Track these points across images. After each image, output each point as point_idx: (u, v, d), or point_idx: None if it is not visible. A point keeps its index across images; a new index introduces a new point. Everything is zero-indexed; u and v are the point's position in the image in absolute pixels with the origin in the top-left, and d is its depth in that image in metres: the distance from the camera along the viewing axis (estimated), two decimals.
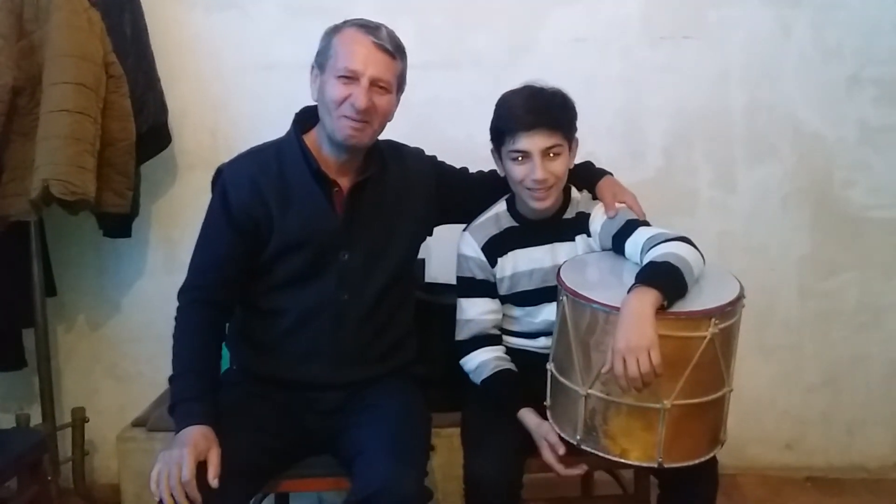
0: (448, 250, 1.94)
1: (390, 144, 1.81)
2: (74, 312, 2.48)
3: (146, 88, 2.21)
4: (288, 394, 1.70)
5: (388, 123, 1.71)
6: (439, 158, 1.92)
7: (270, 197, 1.63)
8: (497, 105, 1.74)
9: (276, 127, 1.87)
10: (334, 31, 1.61)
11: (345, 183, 1.68)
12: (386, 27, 1.61)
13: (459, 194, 1.86)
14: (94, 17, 2.04)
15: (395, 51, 1.59)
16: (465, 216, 1.88)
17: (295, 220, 1.64)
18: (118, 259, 2.45)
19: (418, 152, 1.87)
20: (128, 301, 2.48)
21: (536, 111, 1.66)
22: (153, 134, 2.23)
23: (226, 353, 2.09)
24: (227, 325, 1.75)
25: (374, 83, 1.56)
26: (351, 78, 1.55)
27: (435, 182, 1.82)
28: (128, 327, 2.49)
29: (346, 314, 1.69)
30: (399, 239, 1.74)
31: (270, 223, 1.64)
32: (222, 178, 1.67)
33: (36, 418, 2.25)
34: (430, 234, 1.90)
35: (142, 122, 2.17)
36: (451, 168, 1.89)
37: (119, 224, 2.28)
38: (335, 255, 1.67)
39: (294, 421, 1.67)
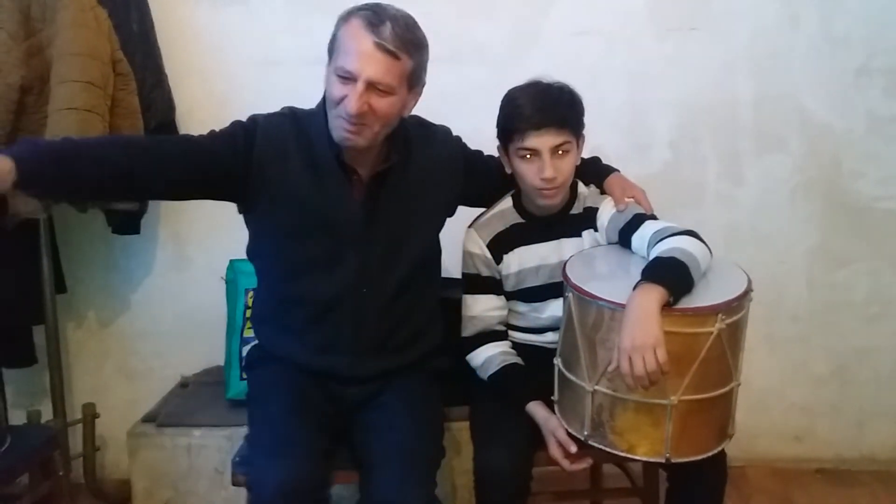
0: (454, 244, 1.93)
1: (418, 122, 1.74)
2: (84, 309, 2.49)
3: (154, 85, 2.21)
4: (308, 380, 1.69)
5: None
6: None
7: (295, 163, 1.59)
8: (504, 102, 1.73)
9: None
10: (343, 18, 1.51)
11: (364, 172, 1.63)
12: (394, 22, 1.47)
13: (482, 179, 1.82)
14: (100, 15, 2.04)
15: (401, 50, 1.47)
16: (482, 201, 1.86)
17: (316, 195, 1.59)
18: (127, 256, 2.46)
19: (446, 132, 1.79)
20: (137, 297, 2.49)
21: (545, 110, 1.65)
22: (161, 130, 2.23)
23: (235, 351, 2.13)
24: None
25: (371, 86, 1.46)
26: (347, 78, 1.47)
27: (463, 167, 1.77)
28: (137, 323, 2.50)
29: (366, 307, 1.67)
30: (422, 228, 1.71)
31: (283, 187, 1.58)
32: (255, 124, 1.62)
33: (47, 414, 2.27)
34: (452, 216, 1.84)
35: (150, 119, 2.18)
36: (480, 156, 1.84)
37: (128, 221, 2.28)
38: (354, 248, 1.63)
39: (317, 410, 1.66)
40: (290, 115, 1.66)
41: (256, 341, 1.84)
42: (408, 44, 1.49)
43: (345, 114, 1.48)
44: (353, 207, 1.62)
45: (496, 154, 1.80)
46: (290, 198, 1.59)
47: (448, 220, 1.85)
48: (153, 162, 1.52)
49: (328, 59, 1.55)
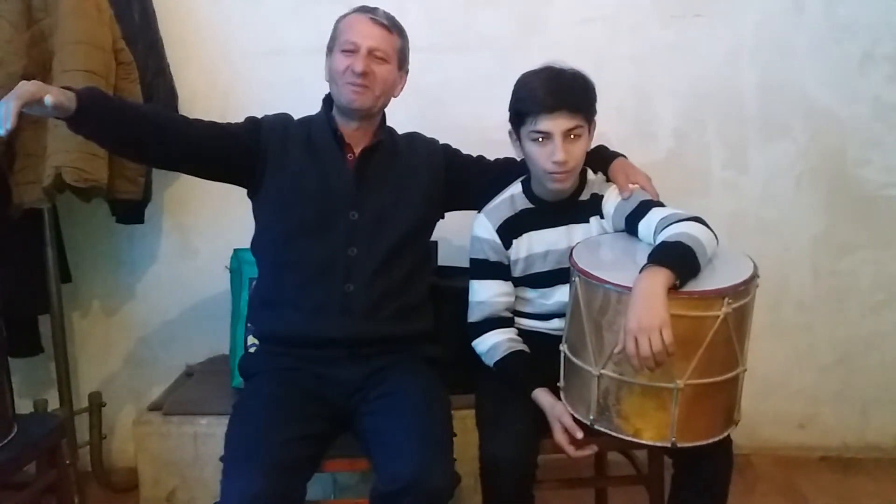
0: (460, 234, 1.94)
1: (406, 133, 1.92)
2: (89, 298, 2.50)
3: (156, 74, 2.21)
4: (308, 364, 1.73)
5: (400, 105, 1.84)
6: (450, 140, 1.95)
7: (295, 141, 1.80)
8: (517, 86, 1.73)
9: (286, 111, 1.88)
10: (340, 19, 1.79)
11: (357, 148, 1.81)
12: (383, 9, 1.79)
13: (469, 177, 1.90)
14: (102, 5, 2.03)
15: (392, 26, 1.76)
16: (476, 201, 1.88)
17: (312, 169, 1.77)
18: (131, 245, 2.47)
19: (431, 139, 1.94)
20: (142, 286, 2.50)
21: (559, 93, 1.65)
22: None
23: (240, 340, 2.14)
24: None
25: (371, 52, 1.72)
26: (352, 50, 1.72)
27: (444, 162, 1.89)
28: (142, 312, 2.51)
29: (356, 268, 1.75)
30: (407, 205, 1.81)
31: (282, 160, 1.78)
32: (261, 118, 1.84)
33: (53, 403, 2.27)
34: (442, 217, 1.93)
35: None
36: (464, 155, 1.94)
37: (132, 210, 2.28)
38: (345, 214, 1.76)
39: (318, 400, 1.69)
40: (290, 115, 1.88)
41: (251, 347, 1.94)
42: (396, 24, 1.79)
43: (352, 77, 1.72)
44: (345, 176, 1.78)
45: (500, 145, 1.80)
46: (288, 170, 1.78)
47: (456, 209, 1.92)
48: (186, 126, 1.75)
49: (328, 53, 1.78)
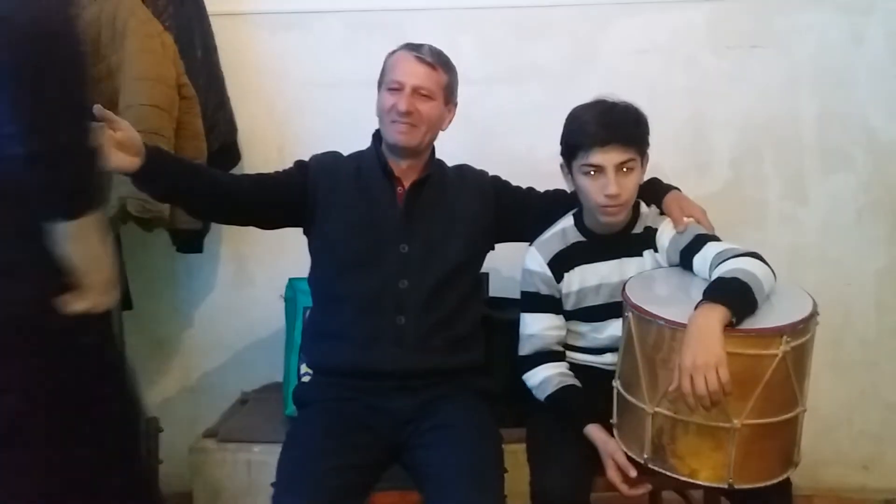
0: (512, 265, 1.93)
1: (456, 165, 1.95)
2: (149, 325, 2.55)
3: (217, 108, 2.27)
4: (360, 394, 1.74)
5: (452, 136, 1.88)
6: (502, 171, 1.96)
7: (345, 177, 1.83)
8: (568, 119, 1.73)
9: (340, 141, 1.92)
10: (389, 56, 1.83)
11: (406, 181, 1.84)
12: (430, 46, 1.81)
13: (519, 208, 1.90)
14: (167, 41, 2.10)
15: (437, 63, 1.78)
16: (525, 233, 1.89)
17: (362, 203, 1.81)
18: (190, 273, 2.52)
19: (481, 171, 1.96)
20: (199, 314, 2.55)
21: (611, 126, 1.65)
22: (224, 152, 2.29)
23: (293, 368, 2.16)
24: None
25: (416, 91, 1.75)
26: (397, 89, 1.76)
27: (494, 193, 1.91)
28: (199, 340, 2.55)
29: (406, 300, 1.77)
30: (456, 237, 1.83)
31: (332, 196, 1.81)
32: (308, 159, 1.89)
33: None
34: (492, 248, 1.94)
35: (213, 141, 2.23)
36: (514, 186, 1.95)
37: (191, 240, 2.34)
38: (395, 246, 1.78)
39: (369, 431, 1.70)
40: (339, 153, 1.92)
41: (304, 376, 1.97)
42: (442, 61, 1.81)
43: (396, 115, 1.75)
44: (394, 209, 1.81)
45: (551, 176, 1.80)
46: (339, 206, 1.81)
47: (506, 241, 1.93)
48: (234, 185, 1.83)
49: (378, 89, 1.82)
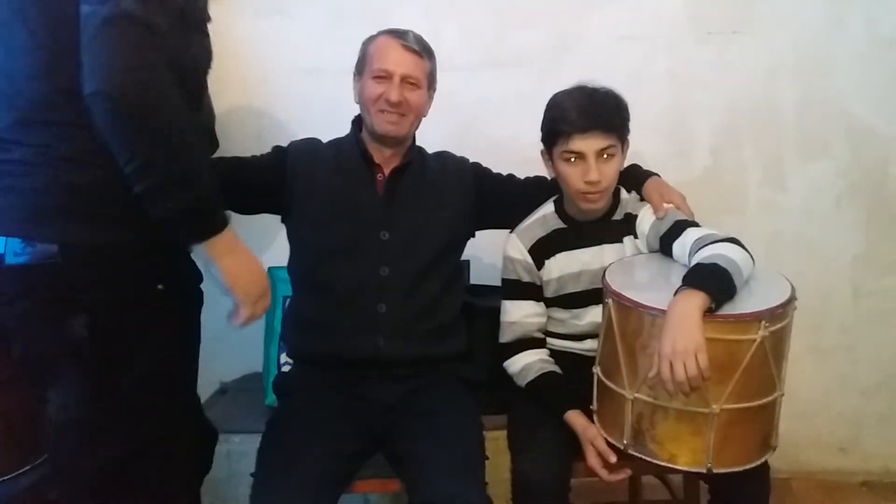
0: (493, 252, 1.93)
1: (436, 152, 1.94)
2: None
3: None
4: (342, 383, 1.74)
5: (435, 124, 1.88)
6: (485, 158, 1.96)
7: (324, 165, 1.82)
8: (549, 106, 1.73)
9: (322, 130, 1.91)
10: (369, 41, 1.80)
11: (386, 168, 1.83)
12: (413, 32, 1.79)
13: (499, 195, 1.90)
14: None
15: (422, 51, 1.77)
16: (506, 220, 1.89)
17: (341, 190, 1.79)
18: None
19: (461, 157, 1.96)
20: None
21: (591, 113, 1.65)
22: None
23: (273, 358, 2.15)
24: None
25: (404, 80, 1.74)
26: (384, 77, 1.73)
27: (473, 179, 1.90)
28: None
29: (388, 288, 1.76)
30: (437, 224, 1.82)
31: (311, 184, 1.80)
32: (287, 145, 1.88)
33: None
34: (473, 235, 1.93)
35: None
36: (495, 173, 1.94)
37: None
38: (375, 234, 1.78)
39: (351, 420, 1.70)
40: (318, 139, 1.91)
41: (284, 365, 1.95)
42: (426, 48, 1.80)
43: (386, 105, 1.73)
44: (374, 196, 1.80)
45: (535, 163, 1.80)
46: (318, 193, 1.80)
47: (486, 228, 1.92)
48: (223, 168, 1.76)
49: (358, 76, 1.81)
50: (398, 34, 1.77)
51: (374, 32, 1.81)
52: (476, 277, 2.24)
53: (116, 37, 1.18)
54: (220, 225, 1.36)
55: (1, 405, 1.58)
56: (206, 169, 1.33)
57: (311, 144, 1.88)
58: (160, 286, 1.38)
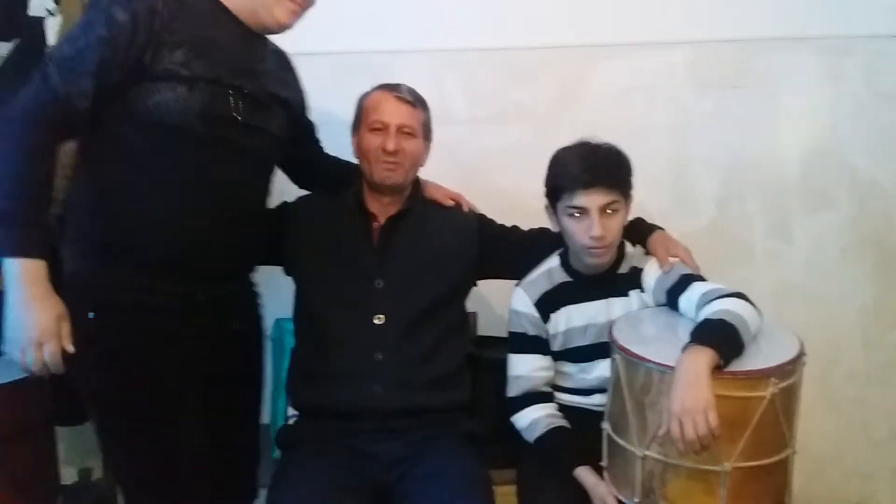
0: (502, 303, 1.93)
1: (446, 207, 1.94)
2: None
3: None
4: (342, 435, 1.73)
5: (438, 177, 1.95)
6: (488, 210, 1.98)
7: (322, 217, 1.87)
8: (552, 162, 1.75)
9: None
10: (364, 96, 1.86)
11: (382, 216, 1.85)
12: (405, 84, 1.85)
13: (502, 244, 1.91)
14: None
15: (416, 102, 1.82)
16: (509, 270, 1.89)
17: (336, 240, 1.83)
18: None
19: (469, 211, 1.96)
20: None
21: (594, 169, 1.66)
22: None
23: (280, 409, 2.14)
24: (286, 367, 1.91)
25: (400, 129, 1.78)
26: (380, 129, 1.78)
27: (477, 230, 1.91)
28: None
29: (384, 336, 1.77)
30: (435, 272, 1.82)
31: (308, 236, 1.85)
32: (285, 203, 1.93)
33: (98, 472, 2.28)
34: (475, 284, 1.93)
35: None
36: (497, 223, 1.95)
37: None
38: (370, 282, 1.79)
39: (356, 475, 1.68)
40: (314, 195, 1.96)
41: (291, 418, 1.95)
42: (419, 98, 1.85)
43: (383, 154, 1.77)
44: (368, 245, 1.83)
45: (538, 215, 1.82)
46: (314, 243, 1.84)
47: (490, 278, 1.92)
48: None
49: (354, 131, 1.86)
50: (391, 87, 1.83)
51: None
52: (485, 328, 2.23)
53: None
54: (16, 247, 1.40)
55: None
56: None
57: (312, 198, 1.93)
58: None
